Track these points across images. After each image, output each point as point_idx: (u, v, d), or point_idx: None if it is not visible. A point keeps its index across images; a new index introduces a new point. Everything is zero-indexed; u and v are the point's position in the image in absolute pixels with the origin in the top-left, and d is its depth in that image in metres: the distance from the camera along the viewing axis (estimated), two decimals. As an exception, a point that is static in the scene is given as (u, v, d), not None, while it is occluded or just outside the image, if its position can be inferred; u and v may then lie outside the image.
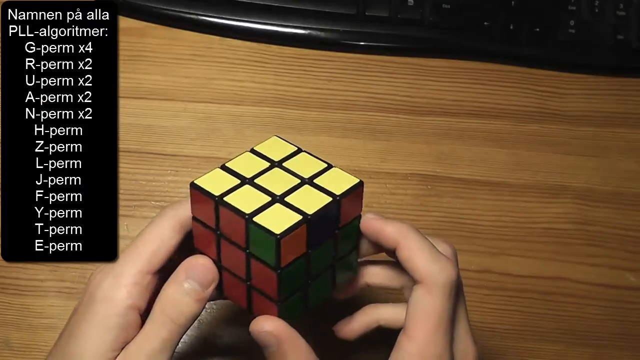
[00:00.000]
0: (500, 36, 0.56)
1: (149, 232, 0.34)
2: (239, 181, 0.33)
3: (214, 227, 0.33)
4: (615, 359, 0.49)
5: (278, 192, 0.33)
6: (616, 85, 0.57)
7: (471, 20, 0.56)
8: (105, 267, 0.34)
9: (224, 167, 0.34)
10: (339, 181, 0.34)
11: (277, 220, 0.31)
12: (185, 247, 0.35)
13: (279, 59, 0.55)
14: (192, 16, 0.54)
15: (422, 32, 0.55)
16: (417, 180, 0.52)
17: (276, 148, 0.35)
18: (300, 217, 0.32)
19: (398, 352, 0.33)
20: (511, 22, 0.56)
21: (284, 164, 0.35)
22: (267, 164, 0.34)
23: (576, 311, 0.50)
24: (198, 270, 0.34)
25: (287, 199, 0.33)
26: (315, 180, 0.34)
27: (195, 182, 0.33)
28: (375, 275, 0.38)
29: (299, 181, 0.34)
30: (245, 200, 0.32)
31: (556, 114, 0.55)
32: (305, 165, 0.35)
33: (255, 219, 0.31)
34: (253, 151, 0.35)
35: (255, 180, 0.33)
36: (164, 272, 0.35)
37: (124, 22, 0.54)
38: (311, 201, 0.33)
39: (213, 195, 0.32)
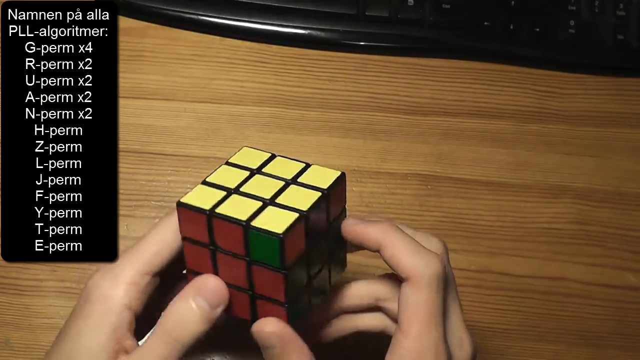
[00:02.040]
0: (500, 36, 0.56)
1: (152, 234, 0.34)
2: (225, 193, 0.33)
3: (207, 242, 0.33)
4: (615, 359, 0.49)
5: (267, 196, 0.33)
6: (616, 85, 0.57)
7: (471, 20, 0.56)
8: (104, 267, 0.34)
9: (205, 183, 0.34)
10: (322, 176, 0.34)
11: (275, 221, 0.31)
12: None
13: (279, 59, 0.55)
14: (192, 16, 0.54)
15: (422, 32, 0.55)
16: (417, 180, 0.52)
17: (250, 157, 0.35)
18: (296, 214, 0.32)
19: (395, 349, 0.33)
20: (511, 22, 0.56)
21: (263, 170, 0.34)
22: (247, 173, 0.34)
23: (576, 311, 0.50)
24: (209, 289, 0.33)
25: (278, 200, 0.33)
26: (299, 180, 0.34)
27: (181, 200, 0.32)
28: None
29: (283, 183, 0.34)
30: (238, 209, 0.32)
31: (556, 114, 0.55)
32: (284, 167, 0.35)
33: (253, 223, 0.31)
34: (228, 164, 0.35)
35: (241, 189, 0.33)
36: (164, 277, 0.35)
37: (124, 22, 0.54)
38: (302, 199, 0.33)
39: (204, 209, 0.32)
